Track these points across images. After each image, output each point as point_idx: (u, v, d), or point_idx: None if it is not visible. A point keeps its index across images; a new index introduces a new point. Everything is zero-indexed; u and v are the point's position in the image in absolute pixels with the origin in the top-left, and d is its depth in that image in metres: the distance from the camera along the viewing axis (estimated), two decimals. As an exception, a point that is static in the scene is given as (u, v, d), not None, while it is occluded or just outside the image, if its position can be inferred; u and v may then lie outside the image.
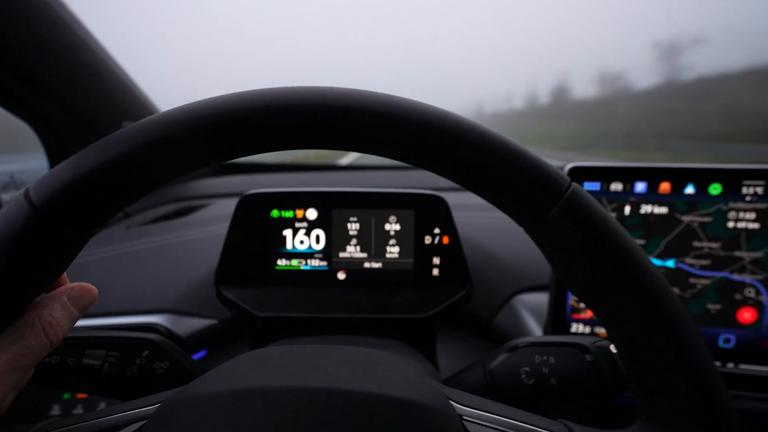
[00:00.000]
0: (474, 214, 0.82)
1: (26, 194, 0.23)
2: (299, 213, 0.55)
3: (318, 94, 0.25)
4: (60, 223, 0.23)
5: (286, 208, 0.55)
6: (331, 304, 0.53)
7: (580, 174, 0.58)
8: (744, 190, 0.54)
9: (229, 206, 0.93)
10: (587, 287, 0.26)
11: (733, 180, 0.54)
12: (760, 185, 0.54)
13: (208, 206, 0.93)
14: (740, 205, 0.54)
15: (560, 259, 0.26)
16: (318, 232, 0.55)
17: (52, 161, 0.82)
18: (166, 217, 0.87)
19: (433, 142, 0.25)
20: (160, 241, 0.75)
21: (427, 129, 0.25)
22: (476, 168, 0.26)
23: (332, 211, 0.55)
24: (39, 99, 0.71)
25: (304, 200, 0.55)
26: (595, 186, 0.58)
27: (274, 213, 0.55)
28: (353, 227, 0.55)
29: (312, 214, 0.55)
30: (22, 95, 0.70)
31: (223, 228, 0.60)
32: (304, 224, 0.55)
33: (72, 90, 0.73)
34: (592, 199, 0.26)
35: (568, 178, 0.26)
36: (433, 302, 0.53)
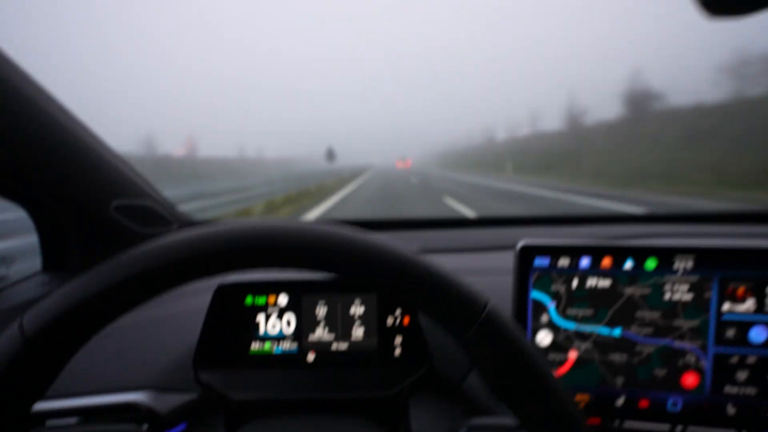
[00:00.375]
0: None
1: (20, 326, 0.29)
2: (271, 299, 0.59)
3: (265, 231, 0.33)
4: (48, 350, 0.29)
5: (259, 294, 0.59)
6: (302, 385, 0.57)
7: (530, 252, 0.63)
8: (676, 264, 0.60)
9: None
10: (499, 389, 0.33)
11: (666, 256, 0.60)
12: (690, 260, 0.59)
13: None
14: (674, 278, 0.60)
15: (479, 365, 0.33)
16: (289, 316, 0.59)
17: (44, 242, 0.86)
18: None
19: (376, 273, 0.32)
20: (142, 317, 0.78)
21: (373, 262, 0.32)
22: (412, 292, 0.32)
23: (302, 296, 0.59)
24: (25, 187, 0.76)
25: (276, 287, 0.59)
26: (545, 261, 0.63)
27: (248, 300, 0.59)
28: (321, 311, 0.59)
29: (283, 299, 0.59)
30: (6, 183, 0.75)
31: (203, 300, 0.63)
32: (276, 309, 0.59)
33: (56, 176, 0.77)
34: (504, 319, 0.32)
35: (484, 300, 0.33)
36: (396, 380, 0.57)
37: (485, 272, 0.89)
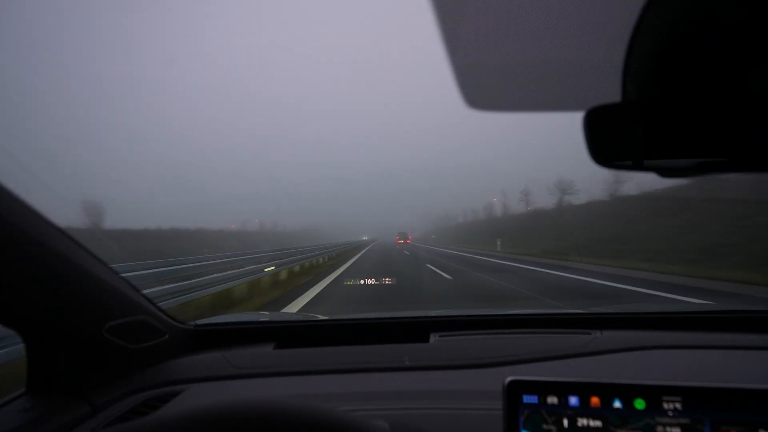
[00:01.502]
0: (413, 404, 0.85)
1: None
2: None
3: None
4: None
5: None
6: None
7: (518, 388, 0.63)
8: (665, 405, 0.59)
9: (202, 395, 0.94)
10: None
11: (653, 395, 0.59)
12: (677, 401, 0.59)
13: (181, 394, 0.94)
14: (665, 420, 0.59)
15: None
16: None
17: (32, 364, 0.86)
18: (134, 411, 0.88)
19: None
20: None
21: None
22: None
23: None
24: (17, 314, 0.77)
25: None
26: (533, 399, 0.63)
27: None
28: None
29: None
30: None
31: None
32: None
33: (49, 304, 0.78)
34: None
35: None
36: None
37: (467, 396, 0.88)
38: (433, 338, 1.23)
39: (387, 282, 8.32)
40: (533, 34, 0.47)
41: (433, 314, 1.40)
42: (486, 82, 0.51)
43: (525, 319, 1.37)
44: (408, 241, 46.84)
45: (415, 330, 1.28)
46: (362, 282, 8.43)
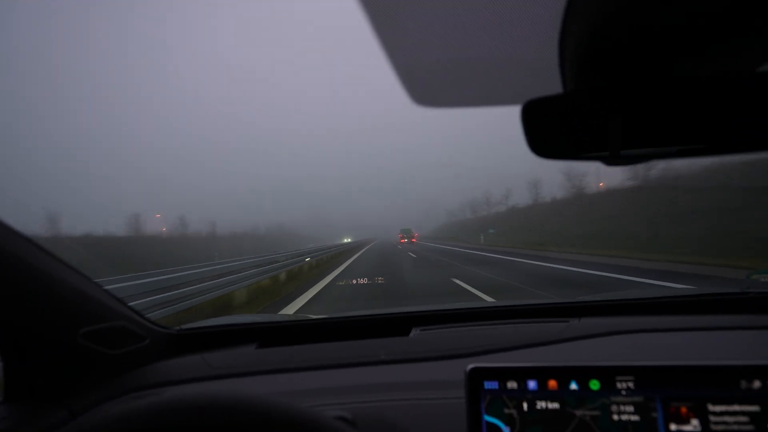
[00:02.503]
0: (386, 396, 0.87)
1: None
2: None
3: None
4: None
5: None
6: None
7: (479, 375, 0.65)
8: (618, 385, 0.61)
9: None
10: None
11: (607, 376, 0.61)
12: (630, 380, 0.61)
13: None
14: (619, 399, 0.61)
15: None
16: None
17: (9, 371, 0.86)
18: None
19: None
20: None
21: None
22: None
23: None
24: None
25: None
26: (493, 385, 0.64)
27: None
28: None
29: None
30: None
31: None
32: None
33: (21, 309, 0.79)
34: None
35: None
36: None
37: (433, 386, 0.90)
38: (414, 332, 1.25)
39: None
40: (467, 31, 0.48)
41: (415, 309, 1.41)
42: (428, 79, 0.53)
43: (506, 311, 1.39)
44: (413, 240, 41.96)
45: (398, 325, 1.29)
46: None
